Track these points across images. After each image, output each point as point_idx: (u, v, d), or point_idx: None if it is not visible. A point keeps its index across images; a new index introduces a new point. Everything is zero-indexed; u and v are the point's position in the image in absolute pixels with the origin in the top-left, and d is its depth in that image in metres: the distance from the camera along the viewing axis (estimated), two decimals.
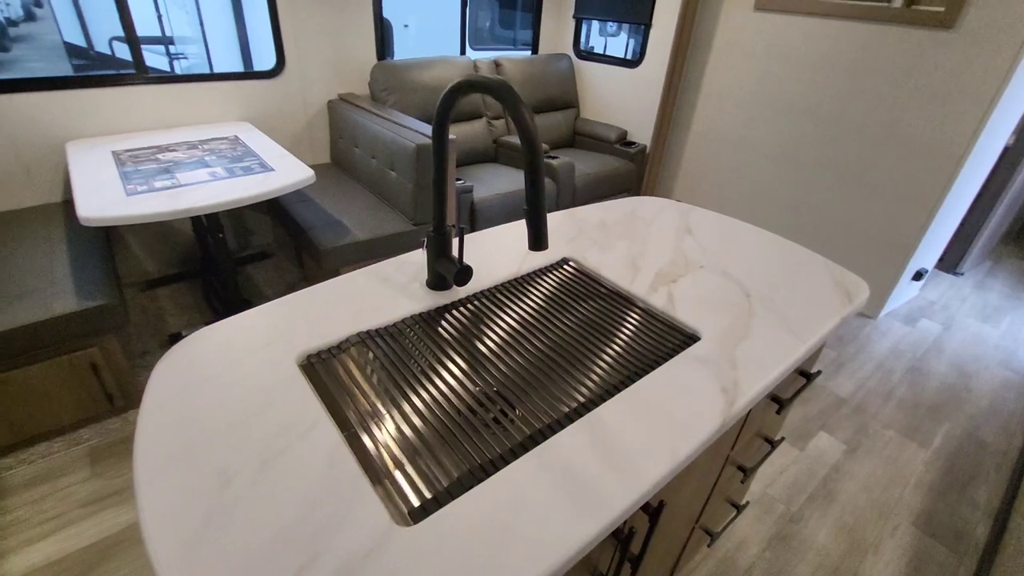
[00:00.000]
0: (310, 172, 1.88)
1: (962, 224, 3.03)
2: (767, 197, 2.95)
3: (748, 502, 1.49)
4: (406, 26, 4.53)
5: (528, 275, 1.04)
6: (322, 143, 2.83)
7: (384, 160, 2.30)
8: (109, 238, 2.22)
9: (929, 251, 2.65)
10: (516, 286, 1.01)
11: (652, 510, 0.69)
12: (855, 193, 2.59)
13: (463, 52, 3.29)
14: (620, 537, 0.67)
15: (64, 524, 1.42)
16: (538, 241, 0.73)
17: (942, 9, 2.12)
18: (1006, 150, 2.83)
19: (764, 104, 2.81)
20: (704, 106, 3.08)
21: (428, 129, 2.28)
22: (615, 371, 0.80)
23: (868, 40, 2.36)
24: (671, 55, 2.93)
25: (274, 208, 2.46)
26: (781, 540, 1.51)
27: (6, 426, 1.58)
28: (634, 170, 3.23)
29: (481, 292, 0.97)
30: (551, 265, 1.08)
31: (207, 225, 1.91)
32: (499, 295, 0.97)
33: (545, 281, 1.03)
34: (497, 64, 3.15)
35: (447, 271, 0.89)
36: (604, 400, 0.73)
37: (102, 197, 1.63)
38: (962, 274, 3.23)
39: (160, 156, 2.02)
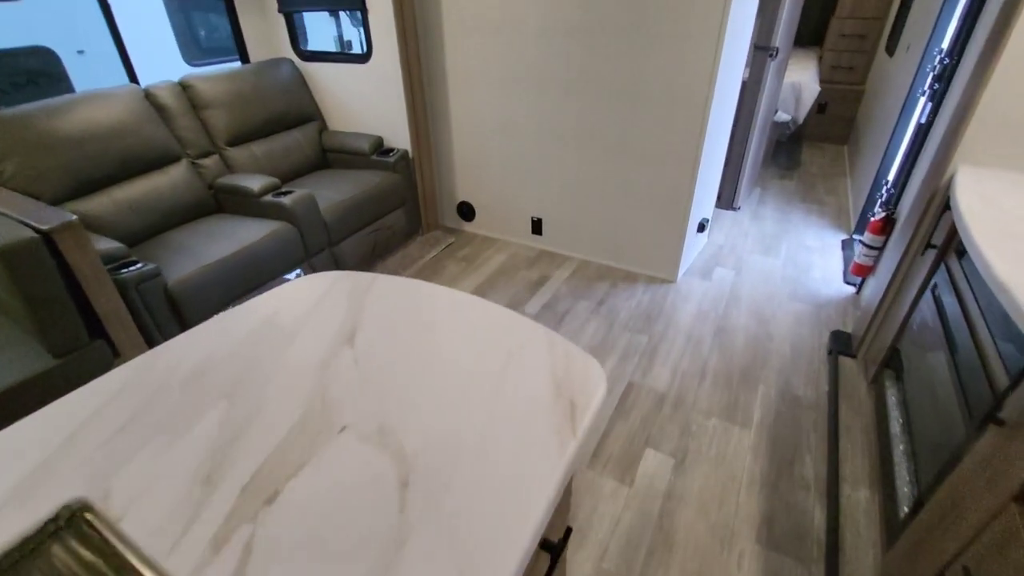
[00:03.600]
0: None
1: (727, 163, 3.10)
2: (545, 179, 2.69)
3: None
4: (81, 52, 3.46)
5: None
6: None
7: None
8: None
9: (705, 200, 2.61)
10: None
11: None
12: (623, 162, 2.42)
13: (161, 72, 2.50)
14: None
15: None
16: None
17: None
18: (744, 85, 2.89)
19: (512, 80, 2.50)
20: (456, 93, 2.71)
21: (46, 212, 1.56)
22: None
23: None
24: (399, 41, 2.48)
25: None
26: None
27: None
28: (400, 181, 2.76)
29: None
30: None
31: None
32: None
33: None
34: (185, 87, 2.42)
35: None
36: None
37: None
38: (739, 208, 3.34)
39: None
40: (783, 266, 2.69)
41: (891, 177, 2.67)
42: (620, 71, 2.22)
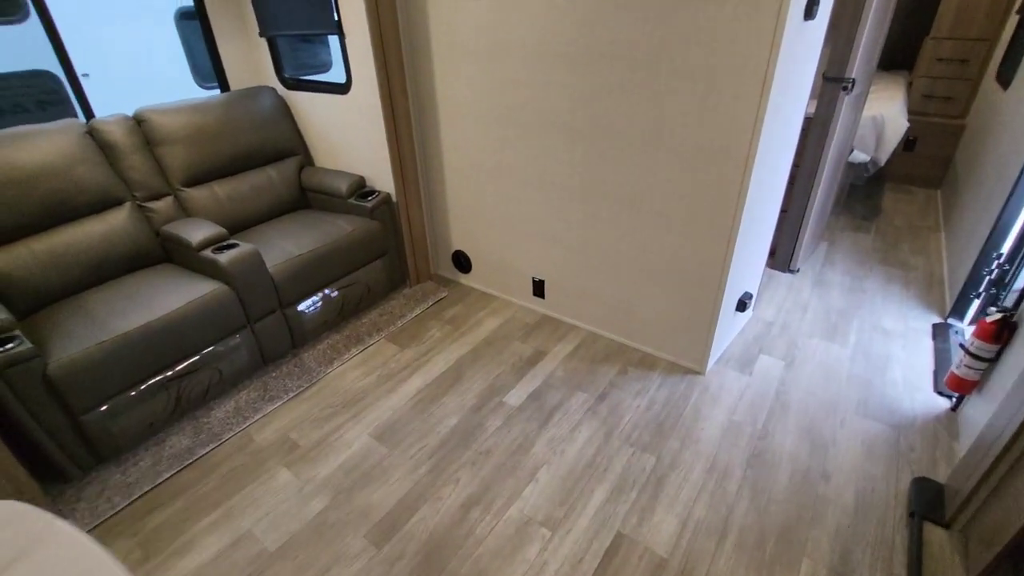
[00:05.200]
0: None
1: (784, 211, 2.51)
2: (547, 235, 2.22)
3: None
4: (85, 75, 3.37)
5: None
6: None
7: None
8: None
9: (747, 271, 2.05)
10: None
11: None
12: (639, 223, 1.92)
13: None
14: None
15: None
16: None
17: None
18: (809, 121, 2.32)
19: (507, 118, 2.07)
20: (449, 129, 2.30)
21: None
22: None
23: (598, 14, 1.67)
24: (378, 70, 2.11)
25: None
26: None
27: None
28: (379, 228, 2.37)
29: None
30: None
31: None
32: None
33: None
34: (140, 121, 2.15)
35: None
36: None
37: None
38: (798, 270, 2.73)
39: None
40: (851, 358, 2.08)
41: (1006, 249, 2.02)
42: (635, 113, 1.73)
